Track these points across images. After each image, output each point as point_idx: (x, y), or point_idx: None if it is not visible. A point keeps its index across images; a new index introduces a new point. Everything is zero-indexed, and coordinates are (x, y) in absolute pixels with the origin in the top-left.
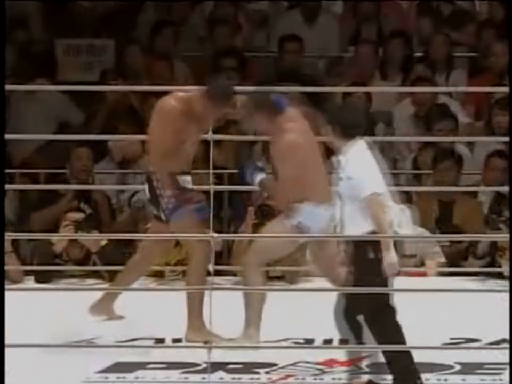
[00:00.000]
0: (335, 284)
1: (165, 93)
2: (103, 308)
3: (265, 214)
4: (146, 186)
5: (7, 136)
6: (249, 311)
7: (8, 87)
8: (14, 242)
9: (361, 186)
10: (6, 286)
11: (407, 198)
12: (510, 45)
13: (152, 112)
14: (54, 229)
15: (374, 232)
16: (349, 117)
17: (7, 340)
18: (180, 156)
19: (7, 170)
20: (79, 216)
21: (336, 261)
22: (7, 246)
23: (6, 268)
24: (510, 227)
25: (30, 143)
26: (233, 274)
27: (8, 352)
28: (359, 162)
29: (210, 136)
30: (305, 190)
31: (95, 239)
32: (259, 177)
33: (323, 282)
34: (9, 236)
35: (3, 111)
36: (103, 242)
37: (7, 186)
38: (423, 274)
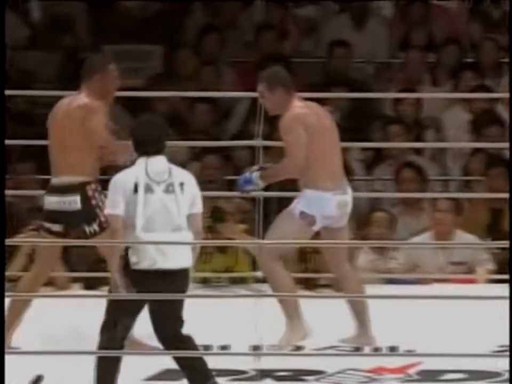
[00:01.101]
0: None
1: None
2: None
3: None
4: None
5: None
6: (284, 305)
7: (48, 93)
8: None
9: None
10: (54, 293)
11: (457, 205)
12: (510, 45)
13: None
14: None
15: None
16: None
17: (57, 347)
18: None
19: None
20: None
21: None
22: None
23: (53, 274)
24: (510, 227)
25: None
26: None
27: (63, 358)
28: None
29: (257, 141)
30: (310, 171)
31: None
32: (255, 174)
33: (372, 290)
34: (54, 242)
35: (3, 112)
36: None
37: None
38: (473, 281)
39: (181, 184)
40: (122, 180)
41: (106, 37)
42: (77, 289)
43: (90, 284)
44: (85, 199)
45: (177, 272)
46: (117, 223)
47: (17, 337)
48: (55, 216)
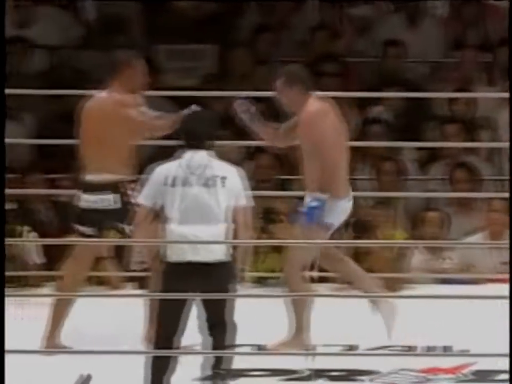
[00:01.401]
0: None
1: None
2: None
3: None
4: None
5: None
6: (296, 317)
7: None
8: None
9: None
10: (107, 292)
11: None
12: (510, 45)
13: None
14: None
15: None
16: None
17: (110, 346)
18: None
19: None
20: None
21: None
22: (108, 252)
23: (106, 273)
24: (510, 228)
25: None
26: (338, 281)
27: (112, 358)
28: None
29: None
30: (329, 177)
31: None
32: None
33: (426, 290)
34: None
35: (3, 113)
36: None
37: None
38: None
39: (223, 178)
40: (159, 173)
41: (160, 37)
42: (130, 289)
43: (143, 284)
44: (123, 197)
45: (210, 265)
46: (142, 213)
47: (66, 337)
48: (90, 215)
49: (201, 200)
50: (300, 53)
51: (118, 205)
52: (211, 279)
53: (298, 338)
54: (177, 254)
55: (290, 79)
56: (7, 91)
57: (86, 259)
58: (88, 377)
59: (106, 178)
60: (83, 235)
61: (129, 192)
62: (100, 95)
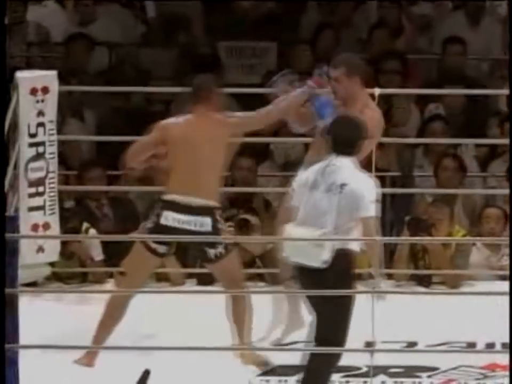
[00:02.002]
0: None
1: None
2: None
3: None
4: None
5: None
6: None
7: (164, 89)
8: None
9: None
10: (168, 288)
11: None
12: (510, 44)
13: None
14: None
15: None
16: None
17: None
18: None
19: None
20: (252, 218)
21: None
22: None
23: (167, 270)
24: (510, 228)
25: None
26: (396, 278)
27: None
28: None
29: None
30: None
31: (259, 242)
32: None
33: (485, 286)
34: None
35: (4, 113)
36: (269, 246)
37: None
38: None
39: (342, 185)
40: (300, 177)
41: (221, 35)
42: (192, 285)
43: (204, 280)
44: (215, 222)
45: (312, 270)
46: (285, 215)
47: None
48: (173, 234)
49: (318, 205)
50: (360, 50)
51: (209, 229)
52: (313, 285)
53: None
54: (289, 255)
55: (351, 69)
56: (70, 88)
57: (140, 278)
58: (147, 373)
59: (205, 203)
60: (154, 252)
61: (219, 218)
62: (192, 118)
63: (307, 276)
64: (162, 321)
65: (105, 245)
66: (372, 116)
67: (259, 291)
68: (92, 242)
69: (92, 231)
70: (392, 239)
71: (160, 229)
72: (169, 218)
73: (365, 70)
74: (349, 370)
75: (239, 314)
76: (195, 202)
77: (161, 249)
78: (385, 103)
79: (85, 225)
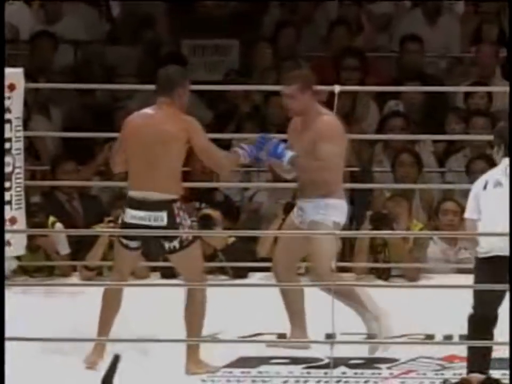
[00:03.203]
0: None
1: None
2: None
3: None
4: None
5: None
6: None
7: (132, 86)
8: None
9: None
10: (133, 282)
11: None
12: (510, 44)
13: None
14: None
15: None
16: None
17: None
18: None
19: None
20: (213, 212)
21: None
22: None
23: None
24: (510, 227)
25: None
26: (356, 271)
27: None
28: None
29: None
30: (335, 180)
31: (221, 236)
32: (289, 153)
33: (445, 279)
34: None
35: (3, 113)
36: (230, 240)
37: None
38: None
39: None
40: (475, 184)
41: (185, 33)
42: (156, 279)
43: (168, 273)
44: (170, 216)
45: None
46: (469, 226)
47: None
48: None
49: (505, 200)
50: (320, 48)
51: (164, 223)
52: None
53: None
54: (488, 248)
55: (304, 84)
56: (36, 85)
57: (123, 272)
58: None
59: (159, 197)
60: (127, 247)
61: (177, 212)
62: (153, 111)
63: (503, 267)
64: (128, 313)
65: (72, 239)
66: (328, 120)
67: (220, 284)
68: (58, 236)
69: (59, 225)
70: (354, 233)
71: (125, 225)
72: (128, 215)
73: (314, 82)
74: (310, 362)
75: (191, 312)
76: (149, 196)
77: (133, 244)
78: (348, 99)
79: (51, 219)
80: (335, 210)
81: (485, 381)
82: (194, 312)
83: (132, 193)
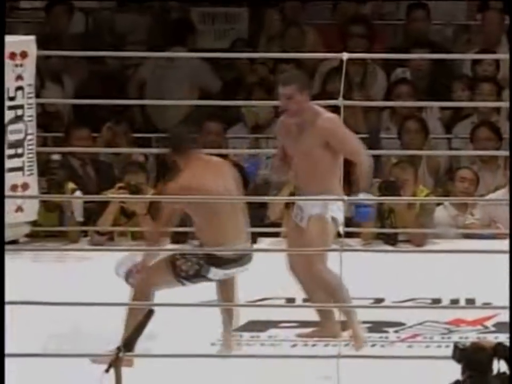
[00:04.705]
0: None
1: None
2: None
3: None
4: None
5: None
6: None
7: (142, 54)
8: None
9: None
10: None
11: None
12: (510, 44)
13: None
14: None
15: None
16: None
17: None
18: None
19: (152, 135)
20: None
21: None
22: (142, 208)
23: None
24: (510, 227)
25: (176, 110)
26: (364, 237)
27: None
28: None
29: (340, 101)
30: (333, 176)
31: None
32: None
33: (451, 245)
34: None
35: (3, 113)
36: None
37: (148, 150)
38: None
39: None
40: None
41: (194, 1)
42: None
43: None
44: None
45: None
46: None
47: None
48: None
49: None
50: (328, 15)
51: None
52: None
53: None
54: None
55: (302, 85)
56: (48, 52)
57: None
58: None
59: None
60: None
61: None
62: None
63: None
64: None
65: (86, 205)
66: (328, 117)
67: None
68: (76, 203)
69: (78, 193)
70: (360, 199)
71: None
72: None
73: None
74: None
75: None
76: None
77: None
78: (356, 66)
79: (71, 186)
80: (333, 205)
81: (497, 347)
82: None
83: None
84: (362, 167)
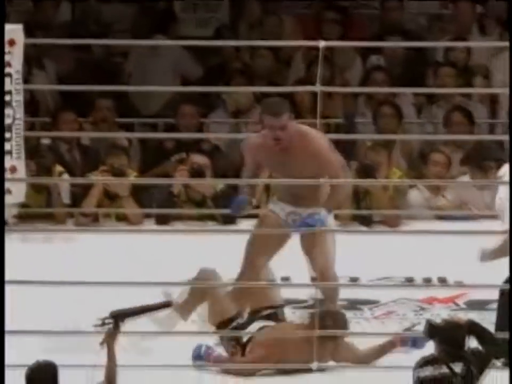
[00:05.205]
0: None
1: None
2: None
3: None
4: None
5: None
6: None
7: (127, 41)
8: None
9: None
10: (126, 228)
11: None
12: (510, 44)
13: None
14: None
15: None
16: None
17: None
18: None
19: (136, 120)
20: (202, 159)
21: None
22: (125, 190)
23: (126, 211)
24: (510, 227)
25: (159, 98)
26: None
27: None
28: None
29: (318, 87)
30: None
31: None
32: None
33: (425, 225)
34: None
35: (3, 113)
36: (219, 187)
37: (132, 134)
38: None
39: None
40: None
41: None
42: (150, 225)
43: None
44: None
45: None
46: None
47: None
48: None
49: None
50: (304, 3)
51: None
52: None
53: None
54: None
55: (289, 113)
56: (35, 40)
57: None
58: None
59: None
60: None
61: None
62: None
63: None
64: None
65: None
66: (315, 134)
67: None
68: (63, 185)
69: (65, 176)
70: (342, 181)
71: None
72: None
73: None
74: (297, 303)
75: None
76: None
77: None
78: (331, 52)
79: (59, 168)
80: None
81: (472, 326)
82: None
83: None
84: (339, 194)
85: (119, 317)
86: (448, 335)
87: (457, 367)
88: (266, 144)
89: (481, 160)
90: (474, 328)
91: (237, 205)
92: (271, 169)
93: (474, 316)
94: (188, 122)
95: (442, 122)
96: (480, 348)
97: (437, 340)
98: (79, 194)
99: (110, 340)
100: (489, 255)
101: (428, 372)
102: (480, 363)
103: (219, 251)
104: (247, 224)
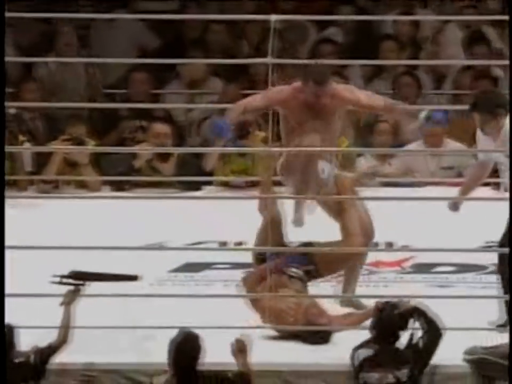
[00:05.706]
0: None
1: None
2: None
3: None
4: None
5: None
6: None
7: (88, 15)
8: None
9: None
10: (86, 194)
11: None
12: (510, 44)
13: None
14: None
15: None
16: None
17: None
18: None
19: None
20: (163, 128)
21: None
22: (84, 158)
23: (85, 178)
24: (510, 223)
25: (116, 69)
26: None
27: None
28: None
29: (270, 59)
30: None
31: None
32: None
33: (372, 193)
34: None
35: (3, 113)
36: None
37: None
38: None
39: None
40: None
41: None
42: (107, 191)
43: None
44: None
45: None
46: None
47: None
48: None
49: None
50: None
51: None
52: None
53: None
54: None
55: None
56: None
57: None
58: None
59: None
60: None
61: None
62: None
63: None
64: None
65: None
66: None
67: (169, 196)
68: (25, 153)
69: (27, 144)
70: (286, 149)
71: None
72: None
73: None
74: (251, 267)
75: None
76: None
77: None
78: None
79: (21, 138)
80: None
81: (416, 311)
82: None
83: None
84: None
85: (77, 277)
86: (390, 319)
87: (402, 374)
88: (303, 98)
89: (491, 107)
90: (418, 314)
91: (219, 128)
92: (299, 120)
93: (420, 278)
94: (140, 89)
95: (391, 86)
96: (420, 339)
97: (379, 322)
98: (42, 163)
99: (68, 299)
100: (457, 202)
101: (365, 353)
102: (423, 358)
103: (178, 216)
104: (204, 192)
